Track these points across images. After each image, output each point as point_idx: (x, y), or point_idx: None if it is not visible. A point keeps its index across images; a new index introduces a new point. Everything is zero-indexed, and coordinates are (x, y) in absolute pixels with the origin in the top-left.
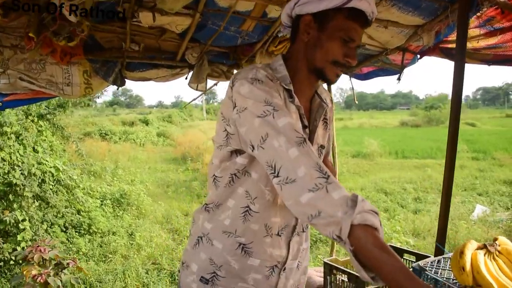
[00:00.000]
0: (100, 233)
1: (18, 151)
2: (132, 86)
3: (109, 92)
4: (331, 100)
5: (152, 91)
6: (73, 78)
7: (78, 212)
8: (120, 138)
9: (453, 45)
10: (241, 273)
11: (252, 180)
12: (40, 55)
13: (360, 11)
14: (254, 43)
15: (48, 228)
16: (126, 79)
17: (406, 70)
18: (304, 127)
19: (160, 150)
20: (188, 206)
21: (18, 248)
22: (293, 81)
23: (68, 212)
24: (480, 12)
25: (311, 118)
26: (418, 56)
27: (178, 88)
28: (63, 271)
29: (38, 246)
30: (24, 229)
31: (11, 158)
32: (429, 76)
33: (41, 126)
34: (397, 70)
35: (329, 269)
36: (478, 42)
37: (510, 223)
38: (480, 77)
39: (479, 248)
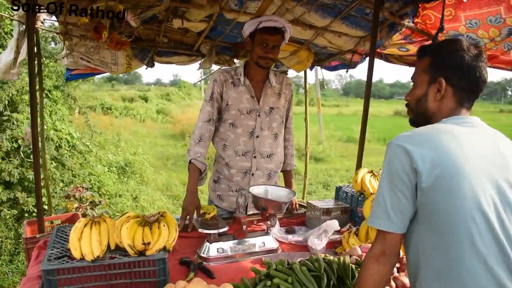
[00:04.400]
0: (108, 194)
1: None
2: None
3: None
4: (289, 84)
5: (150, 68)
6: (119, 60)
7: (90, 175)
8: (120, 113)
9: (385, 51)
10: (229, 177)
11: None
12: (105, 47)
13: (269, 27)
14: None
15: (64, 187)
16: (155, 62)
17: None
18: (251, 97)
19: (159, 127)
20: (187, 177)
21: None
22: (249, 72)
23: (82, 174)
24: (399, 32)
25: (263, 91)
26: (364, 56)
27: (176, 67)
28: (97, 207)
29: (78, 187)
30: (44, 186)
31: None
32: None
33: (56, 97)
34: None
35: None
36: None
37: None
38: None
39: (368, 172)
